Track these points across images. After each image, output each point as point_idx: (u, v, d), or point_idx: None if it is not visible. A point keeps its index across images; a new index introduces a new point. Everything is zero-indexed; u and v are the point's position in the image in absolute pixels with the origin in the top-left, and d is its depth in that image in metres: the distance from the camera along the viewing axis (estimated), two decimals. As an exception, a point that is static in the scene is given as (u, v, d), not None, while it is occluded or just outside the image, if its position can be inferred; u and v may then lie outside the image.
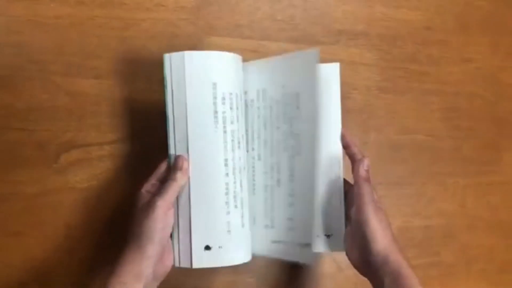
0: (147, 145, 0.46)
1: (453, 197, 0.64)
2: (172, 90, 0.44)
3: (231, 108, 0.45)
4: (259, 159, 0.49)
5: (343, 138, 0.48)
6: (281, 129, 0.48)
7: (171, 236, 0.45)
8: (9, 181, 0.49)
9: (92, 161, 0.51)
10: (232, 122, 0.45)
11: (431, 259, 0.63)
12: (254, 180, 0.49)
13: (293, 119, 0.47)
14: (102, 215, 0.50)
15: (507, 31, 0.68)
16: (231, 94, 0.45)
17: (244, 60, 0.49)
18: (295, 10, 0.59)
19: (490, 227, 0.66)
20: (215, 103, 0.44)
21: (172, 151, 0.45)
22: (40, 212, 0.50)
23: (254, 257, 0.47)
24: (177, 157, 0.44)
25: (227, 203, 0.45)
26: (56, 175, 0.50)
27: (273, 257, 0.49)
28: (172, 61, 0.44)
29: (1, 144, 0.49)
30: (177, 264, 0.45)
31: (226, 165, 0.45)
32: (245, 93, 0.48)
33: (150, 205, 0.42)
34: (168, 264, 0.44)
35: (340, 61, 0.48)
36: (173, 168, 0.44)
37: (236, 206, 0.45)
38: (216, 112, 0.44)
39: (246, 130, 0.49)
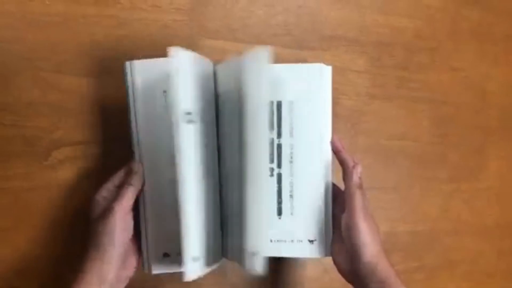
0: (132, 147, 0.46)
1: (438, 202, 0.66)
2: (133, 97, 0.45)
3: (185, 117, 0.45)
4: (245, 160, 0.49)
5: (334, 143, 0.48)
6: (279, 133, 0.48)
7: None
8: (-1, 175, 0.49)
9: (82, 159, 0.51)
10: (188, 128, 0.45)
11: (415, 263, 0.64)
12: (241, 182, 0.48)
13: (291, 125, 0.48)
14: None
15: (494, 41, 0.70)
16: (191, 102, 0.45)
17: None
18: (289, 16, 0.59)
19: (474, 232, 0.67)
20: (168, 110, 0.45)
21: (136, 157, 0.45)
22: (29, 207, 0.50)
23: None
24: (133, 162, 0.45)
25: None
26: (46, 172, 0.50)
27: (283, 256, 0.49)
28: (131, 68, 0.45)
29: (-9, 140, 0.49)
30: (145, 270, 0.46)
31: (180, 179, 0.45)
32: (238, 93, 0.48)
33: (107, 211, 0.42)
34: (130, 268, 0.44)
35: (332, 67, 0.48)
36: (129, 173, 0.44)
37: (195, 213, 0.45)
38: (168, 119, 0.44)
39: (230, 133, 0.48)
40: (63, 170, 0.50)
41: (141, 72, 0.45)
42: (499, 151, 0.69)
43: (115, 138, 0.52)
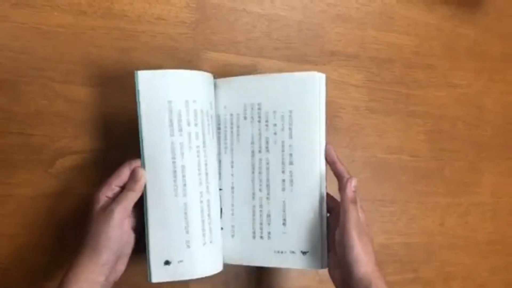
0: (140, 154, 0.47)
1: (433, 216, 0.66)
2: (140, 105, 0.46)
3: (189, 125, 0.46)
4: (247, 172, 0.50)
5: (328, 154, 0.48)
6: (273, 143, 0.49)
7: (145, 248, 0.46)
8: (4, 182, 0.49)
9: (87, 167, 0.52)
10: (190, 140, 0.46)
11: (410, 276, 0.65)
12: (242, 195, 0.50)
13: (286, 135, 0.48)
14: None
15: (490, 58, 0.72)
16: (195, 110, 0.47)
17: (239, 76, 0.51)
18: (291, 30, 0.61)
19: (468, 246, 0.68)
20: (171, 121, 0.46)
21: (141, 163, 0.46)
22: (34, 215, 0.50)
23: (233, 267, 0.49)
24: (136, 168, 0.45)
25: (185, 219, 0.46)
26: (51, 180, 0.51)
27: (276, 266, 0.50)
28: (139, 78, 0.45)
29: (-2, 147, 0.50)
30: (147, 279, 0.46)
31: (184, 184, 0.46)
32: (238, 105, 0.50)
33: (107, 211, 0.42)
34: (120, 270, 0.44)
35: (331, 81, 0.49)
36: (131, 178, 0.45)
37: (197, 222, 0.47)
38: (172, 130, 0.46)
39: (230, 144, 0.50)
40: (67, 178, 0.51)
41: (148, 81, 0.46)
42: (494, 167, 0.70)
43: (120, 147, 0.53)
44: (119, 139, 0.53)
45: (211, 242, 0.48)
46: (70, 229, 0.51)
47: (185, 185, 0.46)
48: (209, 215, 0.48)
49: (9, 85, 0.50)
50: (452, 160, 0.68)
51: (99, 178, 0.52)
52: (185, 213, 0.47)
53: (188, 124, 0.47)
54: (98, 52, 0.53)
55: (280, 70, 0.60)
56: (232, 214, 0.50)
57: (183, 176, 0.46)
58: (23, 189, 0.50)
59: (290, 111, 0.48)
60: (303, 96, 0.48)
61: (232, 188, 0.50)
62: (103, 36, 0.53)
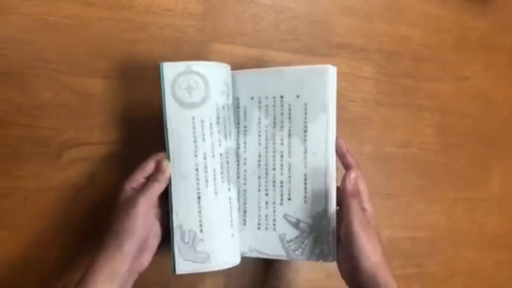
0: (148, 147, 0.47)
1: (440, 210, 0.66)
2: (165, 98, 0.46)
3: (210, 119, 0.46)
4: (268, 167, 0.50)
5: (339, 147, 0.48)
6: (287, 136, 0.49)
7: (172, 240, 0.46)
8: (11, 175, 0.49)
9: (94, 160, 0.52)
10: (212, 133, 0.46)
11: (415, 270, 0.65)
12: (266, 187, 0.50)
13: (300, 128, 0.48)
14: (102, 214, 0.51)
15: (500, 52, 0.71)
16: (216, 103, 0.46)
17: (247, 67, 0.51)
18: (299, 22, 0.60)
19: (474, 241, 0.68)
20: (193, 117, 0.46)
21: (167, 154, 0.46)
22: (40, 207, 0.50)
23: (244, 260, 0.49)
24: (161, 160, 0.45)
25: (208, 211, 0.46)
26: (57, 172, 0.50)
27: (287, 259, 0.50)
28: (163, 69, 0.45)
29: (5, 139, 0.49)
30: (171, 271, 0.46)
31: (206, 180, 0.46)
32: (252, 98, 0.50)
33: (132, 201, 0.42)
34: (144, 262, 0.44)
35: (339, 73, 0.48)
36: (156, 169, 0.45)
37: (224, 213, 0.47)
38: (194, 126, 0.46)
39: (245, 137, 0.50)
40: (74, 170, 0.51)
41: (171, 73, 0.45)
42: (502, 162, 0.70)
43: (126, 139, 0.53)
44: (125, 131, 0.53)
45: (232, 235, 0.48)
46: (76, 221, 0.51)
47: (213, 177, 0.46)
48: (234, 206, 0.48)
49: (15, 77, 0.50)
50: (460, 154, 0.68)
51: (105, 170, 0.52)
52: (213, 205, 0.46)
53: (216, 117, 0.47)
54: (105, 44, 0.52)
55: (288, 62, 0.59)
56: (245, 204, 0.50)
57: (205, 167, 0.46)
58: (30, 181, 0.50)
59: (305, 104, 0.48)
60: (316, 89, 0.48)
61: (245, 179, 0.50)
62: (110, 27, 0.53)
